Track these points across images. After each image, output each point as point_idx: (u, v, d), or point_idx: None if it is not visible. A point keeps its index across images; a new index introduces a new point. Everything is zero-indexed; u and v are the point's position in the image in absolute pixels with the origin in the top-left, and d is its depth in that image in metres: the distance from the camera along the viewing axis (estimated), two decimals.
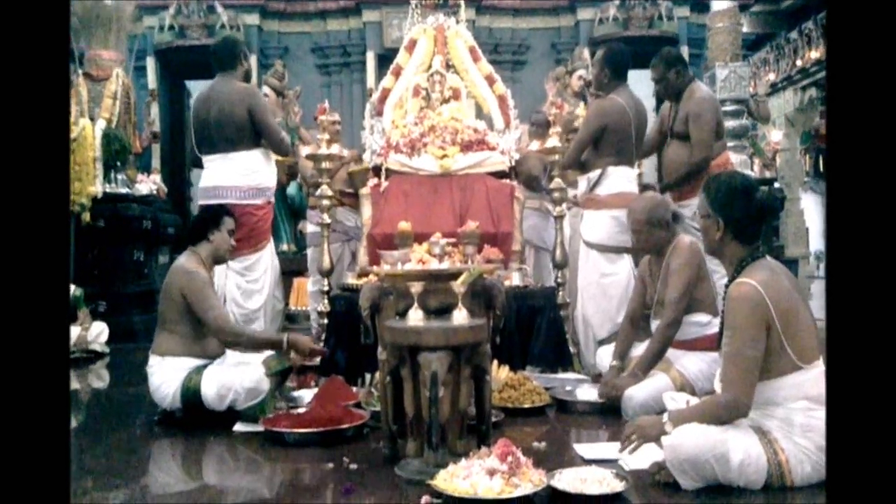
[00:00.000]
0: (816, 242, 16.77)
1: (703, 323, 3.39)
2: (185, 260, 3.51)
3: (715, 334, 3.32)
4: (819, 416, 2.30)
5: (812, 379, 2.36)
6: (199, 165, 4.46)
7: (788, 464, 2.30)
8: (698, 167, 4.14)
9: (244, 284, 4.24)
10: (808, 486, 2.32)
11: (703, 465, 2.28)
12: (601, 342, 4.12)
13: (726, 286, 2.49)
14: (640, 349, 3.54)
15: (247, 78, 4.43)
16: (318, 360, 4.00)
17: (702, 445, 2.27)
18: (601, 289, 4.22)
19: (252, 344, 3.46)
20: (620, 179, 4.28)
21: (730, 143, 8.18)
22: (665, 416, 2.43)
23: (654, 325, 3.47)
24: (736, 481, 2.30)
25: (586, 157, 4.36)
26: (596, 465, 2.51)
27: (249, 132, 4.25)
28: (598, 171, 4.29)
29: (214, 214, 3.64)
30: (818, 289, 11.74)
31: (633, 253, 3.65)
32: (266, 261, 4.35)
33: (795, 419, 2.33)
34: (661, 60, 4.41)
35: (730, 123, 8.19)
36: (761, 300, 2.32)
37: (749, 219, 2.45)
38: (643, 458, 2.53)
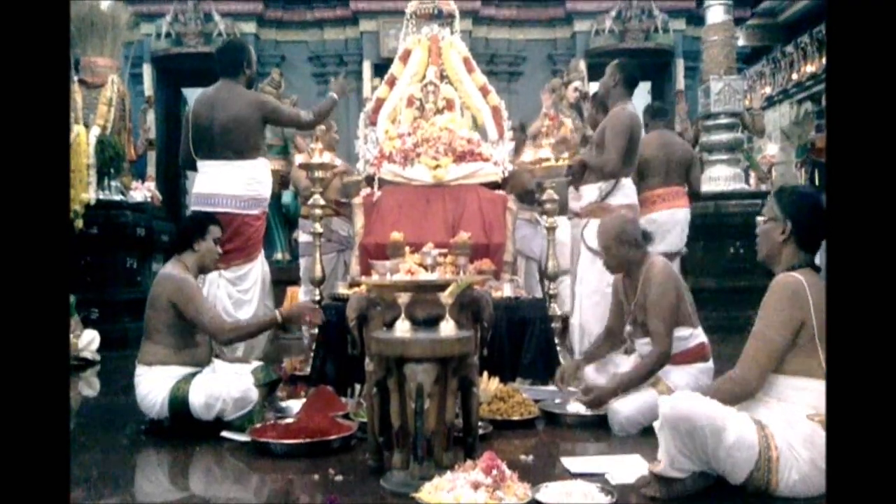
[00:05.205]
0: None
1: (684, 337, 3.36)
2: (170, 268, 3.47)
3: (696, 346, 3.36)
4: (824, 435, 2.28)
5: None
6: (193, 168, 4.30)
7: (778, 462, 2.28)
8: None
9: (235, 294, 4.20)
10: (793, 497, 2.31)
11: (697, 432, 2.26)
12: None
13: None
14: (625, 363, 3.55)
15: (249, 86, 4.35)
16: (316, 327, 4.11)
17: (702, 412, 2.27)
18: (604, 297, 4.20)
19: (250, 332, 3.56)
20: (630, 190, 4.39)
21: (724, 156, 8.22)
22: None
23: (639, 344, 3.46)
24: (723, 463, 2.28)
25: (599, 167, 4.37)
26: (582, 478, 2.50)
27: (257, 141, 4.20)
28: (612, 181, 4.32)
29: (199, 223, 3.60)
30: None
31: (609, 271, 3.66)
32: (257, 271, 4.31)
33: (801, 427, 2.32)
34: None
35: (724, 136, 8.22)
36: (802, 293, 2.36)
37: (815, 227, 2.46)
38: (629, 472, 2.52)
